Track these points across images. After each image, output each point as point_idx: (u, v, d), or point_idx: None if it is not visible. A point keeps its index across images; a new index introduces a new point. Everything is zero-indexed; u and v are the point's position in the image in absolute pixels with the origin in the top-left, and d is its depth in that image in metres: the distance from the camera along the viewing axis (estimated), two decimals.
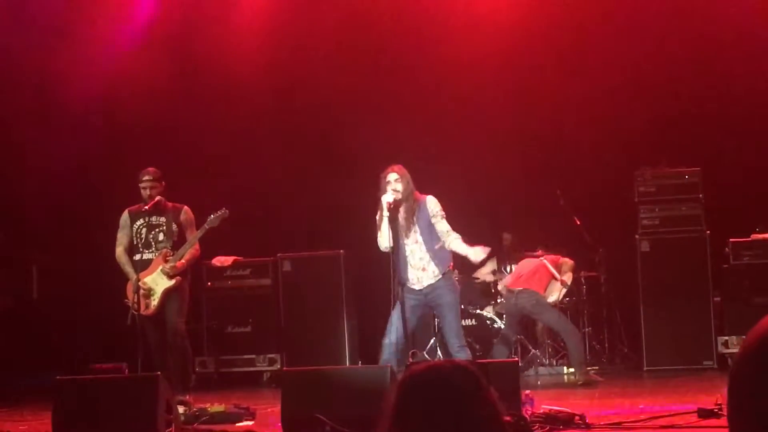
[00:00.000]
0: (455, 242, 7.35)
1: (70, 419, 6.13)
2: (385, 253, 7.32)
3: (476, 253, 7.30)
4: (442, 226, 7.39)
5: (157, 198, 8.30)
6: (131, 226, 8.43)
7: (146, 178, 8.36)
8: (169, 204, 8.45)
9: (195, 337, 9.87)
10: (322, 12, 11.74)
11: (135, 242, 8.41)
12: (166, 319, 8.25)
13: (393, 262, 7.23)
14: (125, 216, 8.50)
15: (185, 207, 8.51)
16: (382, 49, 11.67)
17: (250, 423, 7.21)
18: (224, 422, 7.17)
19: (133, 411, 6.06)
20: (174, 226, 8.36)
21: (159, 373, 6.54)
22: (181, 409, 7.04)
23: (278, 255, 10.87)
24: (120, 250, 8.43)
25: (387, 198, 7.19)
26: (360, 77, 11.69)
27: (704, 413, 6.44)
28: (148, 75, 11.39)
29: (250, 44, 11.66)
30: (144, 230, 8.39)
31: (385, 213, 7.19)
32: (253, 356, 10.72)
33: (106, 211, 9.06)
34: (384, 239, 7.25)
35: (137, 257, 8.36)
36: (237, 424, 7.17)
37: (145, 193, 8.33)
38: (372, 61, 11.74)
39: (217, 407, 7.46)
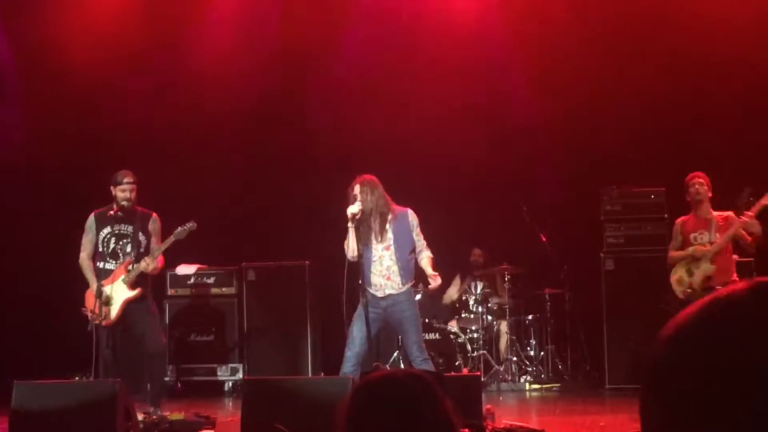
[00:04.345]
0: (425, 260, 7.47)
1: (27, 424, 6.05)
2: (351, 263, 7.34)
3: (435, 280, 7.40)
4: (421, 240, 7.50)
5: (123, 202, 8.00)
6: (97, 233, 8.12)
7: (128, 180, 7.98)
8: (138, 208, 8.17)
9: None
10: (299, 16, 11.71)
11: (101, 249, 8.11)
12: (148, 337, 7.99)
13: (348, 271, 7.25)
14: (91, 220, 8.16)
15: (154, 214, 8.25)
16: (356, 59, 11.65)
17: None
18: (184, 430, 7.14)
19: (92, 417, 6.00)
20: (142, 236, 8.11)
21: (119, 379, 6.47)
22: (140, 416, 6.98)
23: (243, 264, 10.81)
24: (83, 256, 8.13)
25: (351, 209, 7.20)
26: (329, 86, 11.68)
27: None
28: (118, 77, 11.34)
29: (219, 57, 11.63)
30: (112, 240, 8.10)
31: (349, 224, 7.20)
32: (215, 365, 10.66)
33: (69, 212, 8.94)
34: (349, 249, 7.26)
35: (100, 264, 8.08)
36: None
37: (125, 195, 7.96)
38: (343, 73, 11.72)
39: (176, 415, 7.42)
